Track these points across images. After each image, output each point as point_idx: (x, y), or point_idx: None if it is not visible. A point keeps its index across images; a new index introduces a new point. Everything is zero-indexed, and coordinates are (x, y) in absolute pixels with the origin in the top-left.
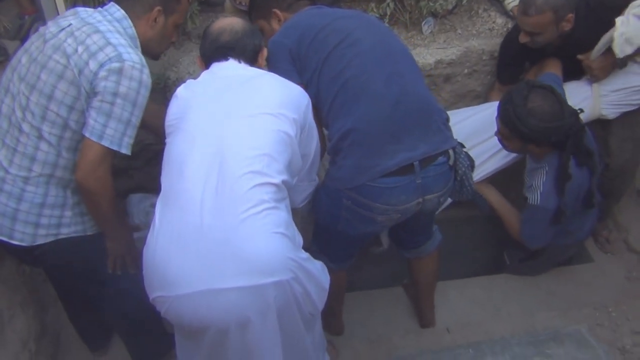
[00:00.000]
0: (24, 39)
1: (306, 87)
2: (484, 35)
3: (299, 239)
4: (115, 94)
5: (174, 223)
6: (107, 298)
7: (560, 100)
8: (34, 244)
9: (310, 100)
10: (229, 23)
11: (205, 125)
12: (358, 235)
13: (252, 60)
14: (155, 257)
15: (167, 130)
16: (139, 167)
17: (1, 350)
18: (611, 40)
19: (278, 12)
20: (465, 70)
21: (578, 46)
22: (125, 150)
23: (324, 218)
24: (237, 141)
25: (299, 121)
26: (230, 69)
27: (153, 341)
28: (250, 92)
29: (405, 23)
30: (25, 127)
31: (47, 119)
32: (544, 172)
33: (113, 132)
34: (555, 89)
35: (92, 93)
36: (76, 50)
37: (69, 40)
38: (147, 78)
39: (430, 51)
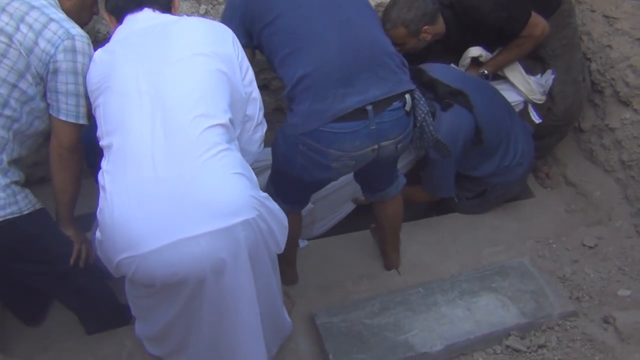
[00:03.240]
0: None
1: (256, 43)
2: None
3: (255, 179)
4: (76, 74)
5: (127, 181)
6: (55, 277)
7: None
8: None
9: (234, 34)
10: None
11: (137, 78)
12: (313, 181)
13: (167, 8)
14: (113, 219)
15: (93, 95)
16: None
17: None
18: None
19: None
20: None
21: (462, 47)
22: (85, 120)
23: (281, 162)
24: (174, 87)
25: (231, 55)
26: (146, 19)
27: (104, 310)
28: (175, 37)
29: None
30: None
31: None
32: None
33: (84, 110)
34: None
35: (51, 74)
36: (18, 29)
37: (4, 18)
38: (89, 48)
39: None
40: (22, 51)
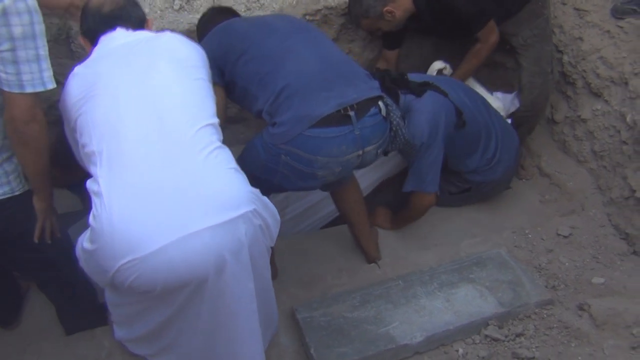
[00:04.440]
0: None
1: (229, 81)
2: None
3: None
4: (11, 39)
5: (124, 184)
6: (37, 264)
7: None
8: None
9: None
10: None
11: (126, 86)
12: (293, 189)
13: (139, 26)
14: (112, 224)
15: (76, 105)
16: None
17: None
18: None
19: None
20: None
21: (435, 25)
22: (51, 85)
23: (261, 171)
24: (164, 93)
25: (208, 70)
26: (122, 37)
27: (85, 308)
28: (159, 50)
29: None
30: None
31: None
32: None
33: (30, 76)
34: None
35: None
36: None
37: None
38: (32, 2)
39: None
40: None
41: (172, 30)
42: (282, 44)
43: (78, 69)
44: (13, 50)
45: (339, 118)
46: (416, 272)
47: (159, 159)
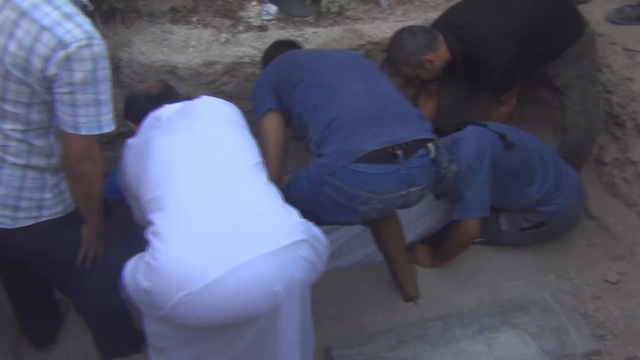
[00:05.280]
0: None
1: (286, 109)
2: (442, 7)
3: None
4: (71, 84)
5: (181, 222)
6: (80, 288)
7: None
8: (14, 226)
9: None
10: (150, 83)
11: (175, 139)
12: (334, 223)
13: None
14: (170, 257)
15: (135, 172)
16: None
17: None
18: None
19: None
20: None
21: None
22: (108, 128)
23: (303, 202)
24: (213, 140)
25: (245, 123)
26: (168, 107)
27: (122, 335)
28: (200, 109)
29: None
30: None
31: (6, 117)
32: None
33: (86, 119)
34: None
35: (49, 86)
36: (6, 49)
37: None
38: (99, 49)
39: (388, 24)
40: (18, 73)
41: (218, 63)
42: (337, 75)
43: (131, 142)
44: (72, 93)
45: (386, 155)
46: (456, 313)
47: (212, 196)
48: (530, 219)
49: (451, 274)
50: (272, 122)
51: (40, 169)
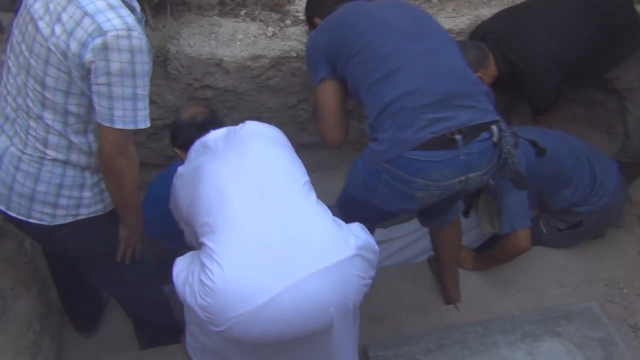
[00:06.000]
0: (17, 10)
1: (340, 74)
2: (494, 4)
3: None
4: (108, 74)
5: (235, 243)
6: (118, 283)
7: None
8: (53, 223)
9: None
10: (194, 110)
11: (224, 163)
12: (392, 211)
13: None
14: (225, 280)
15: (187, 201)
16: (141, 143)
17: (5, 331)
18: None
19: (318, 19)
20: None
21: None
22: (143, 124)
23: (359, 191)
24: (262, 161)
25: (290, 145)
26: (214, 133)
27: (161, 326)
28: (246, 133)
29: None
30: (32, 113)
31: (46, 106)
32: None
33: (122, 113)
34: None
35: (86, 76)
36: (53, 32)
37: (46, 17)
38: (138, 41)
39: (439, 20)
40: (59, 56)
41: (264, 57)
42: (398, 50)
43: (181, 169)
44: (109, 85)
45: (444, 141)
46: (497, 319)
47: (264, 217)
48: (566, 220)
49: (493, 278)
50: (328, 89)
51: (81, 167)
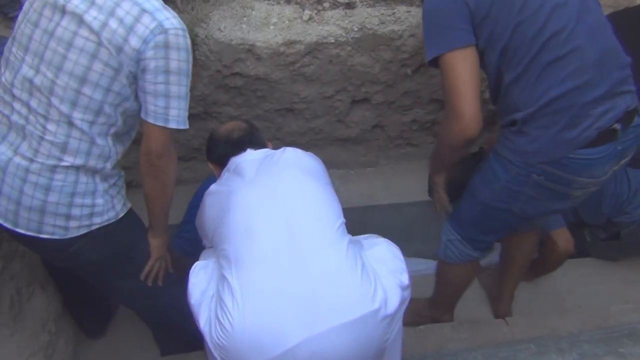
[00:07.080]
0: (20, 7)
1: (484, 48)
2: None
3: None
4: (167, 72)
5: (256, 286)
6: (140, 295)
7: None
8: (66, 237)
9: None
10: (232, 125)
11: (256, 195)
12: (535, 215)
13: (263, 146)
14: (244, 326)
15: (215, 222)
16: None
17: (21, 329)
18: None
19: None
20: None
21: None
22: (184, 125)
23: (499, 198)
24: (294, 197)
25: (329, 179)
26: (250, 155)
27: (181, 334)
28: (283, 161)
29: None
30: (54, 114)
31: (79, 104)
32: None
33: (177, 112)
34: None
35: (140, 74)
36: (106, 24)
37: (93, 12)
38: (190, 42)
39: None
40: (112, 50)
41: (300, 42)
42: (560, 28)
43: (213, 187)
44: (167, 83)
45: (607, 134)
46: (552, 336)
47: (291, 260)
48: (606, 229)
49: (548, 291)
50: (468, 58)
51: (94, 173)
